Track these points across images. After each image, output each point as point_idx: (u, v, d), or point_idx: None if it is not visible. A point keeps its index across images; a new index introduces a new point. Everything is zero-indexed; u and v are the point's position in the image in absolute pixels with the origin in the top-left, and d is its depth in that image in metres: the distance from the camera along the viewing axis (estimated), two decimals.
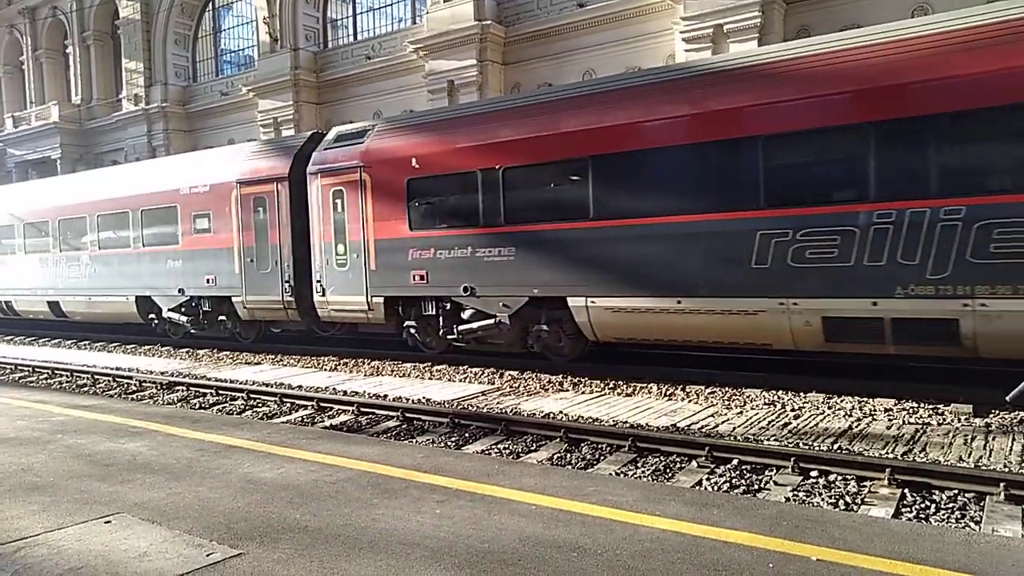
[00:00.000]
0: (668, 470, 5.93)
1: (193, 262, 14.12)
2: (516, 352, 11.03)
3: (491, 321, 10.46)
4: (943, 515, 4.77)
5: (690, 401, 8.35)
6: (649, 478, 5.75)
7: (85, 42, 32.70)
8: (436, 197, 10.92)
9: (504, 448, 6.77)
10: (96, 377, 11.78)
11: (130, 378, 11.31)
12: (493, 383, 9.98)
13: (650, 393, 8.84)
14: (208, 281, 13.86)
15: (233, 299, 13.58)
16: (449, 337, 11.11)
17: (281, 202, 12.67)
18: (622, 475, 5.81)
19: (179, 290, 14.38)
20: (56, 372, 12.52)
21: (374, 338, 13.82)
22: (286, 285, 12.67)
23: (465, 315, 10.81)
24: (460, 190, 10.60)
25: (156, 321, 15.35)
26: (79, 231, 16.53)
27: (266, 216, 12.90)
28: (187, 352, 14.63)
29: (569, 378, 9.80)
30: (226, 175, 13.60)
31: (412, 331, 11.65)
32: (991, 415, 7.10)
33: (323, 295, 12.17)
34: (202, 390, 10.25)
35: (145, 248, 15.01)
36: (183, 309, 14.68)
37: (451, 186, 10.71)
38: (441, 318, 11.13)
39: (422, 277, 10.96)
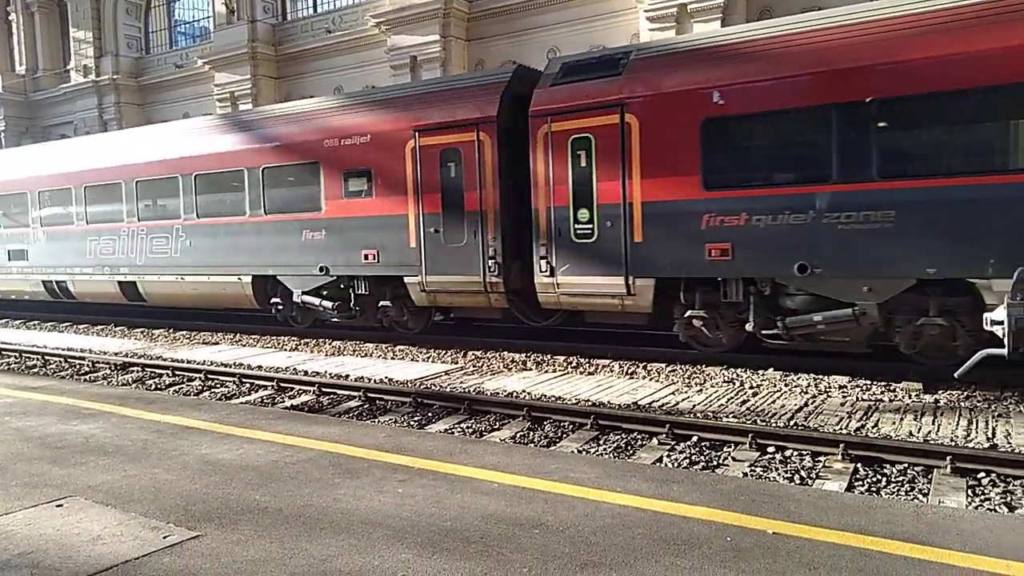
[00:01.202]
0: (629, 447, 6.00)
1: (343, 234, 11.24)
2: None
3: (845, 312, 7.86)
4: (893, 488, 4.93)
5: (651, 379, 8.45)
6: (611, 455, 5.81)
7: (29, 9, 31.32)
8: (753, 143, 8.44)
9: (467, 427, 6.78)
10: (47, 358, 11.43)
11: (83, 359, 11.00)
12: (456, 362, 9.97)
13: (612, 372, 8.92)
14: (367, 258, 11.00)
15: (406, 280, 10.74)
16: (765, 333, 8.47)
17: (485, 155, 9.80)
18: (584, 452, 5.86)
19: (321, 268, 11.47)
20: (4, 352, 12.11)
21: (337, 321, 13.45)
22: (490, 262, 9.91)
23: (791, 303, 8.34)
24: (802, 132, 8.03)
25: (281, 307, 12.56)
26: (167, 195, 13.39)
27: (460, 173, 10.04)
28: (142, 332, 14.28)
29: (532, 357, 9.83)
30: (396, 121, 10.71)
31: (695, 323, 8.90)
32: (940, 392, 7.34)
33: (550, 275, 9.43)
34: (158, 371, 10.03)
35: (269, 216, 12.02)
36: (325, 292, 11.87)
37: (785, 127, 8.06)
38: (752, 307, 8.41)
39: (723, 252, 8.26)
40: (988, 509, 4.51)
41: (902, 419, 6.47)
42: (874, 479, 5.07)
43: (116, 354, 11.52)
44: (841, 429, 6.18)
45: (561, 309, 9.99)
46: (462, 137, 10.02)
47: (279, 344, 12.17)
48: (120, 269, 14.28)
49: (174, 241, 13.38)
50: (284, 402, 8.12)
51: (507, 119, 9.80)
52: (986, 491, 4.78)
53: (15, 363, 11.39)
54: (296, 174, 11.80)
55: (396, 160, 10.60)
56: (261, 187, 12.12)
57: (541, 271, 9.55)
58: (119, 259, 14.28)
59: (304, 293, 12.01)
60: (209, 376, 9.45)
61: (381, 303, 11.44)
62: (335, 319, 12.19)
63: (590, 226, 9.13)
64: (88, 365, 10.75)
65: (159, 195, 13.62)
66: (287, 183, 11.94)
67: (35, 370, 10.79)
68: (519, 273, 10.02)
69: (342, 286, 11.70)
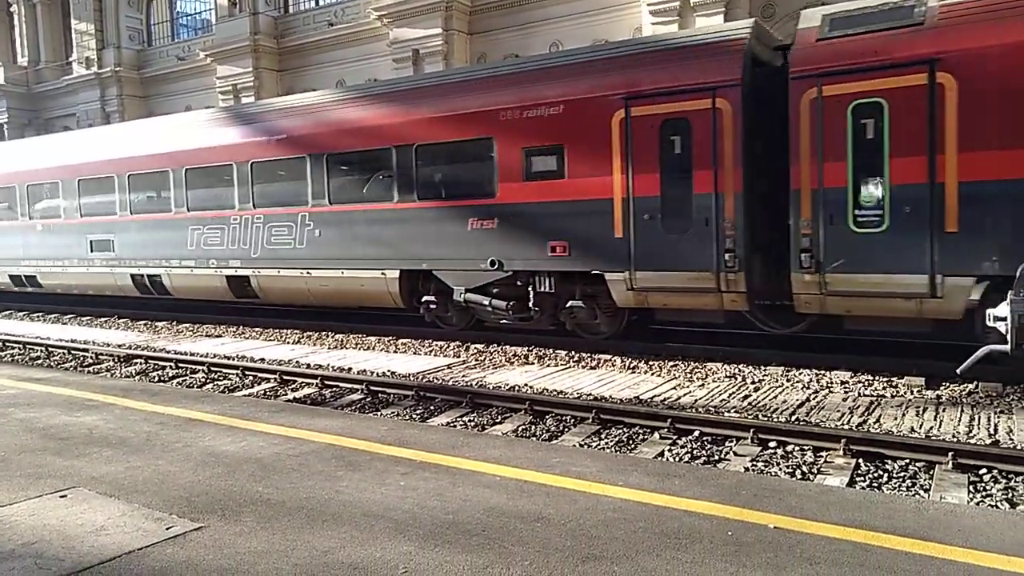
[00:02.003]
0: (631, 441, 6.01)
1: (522, 222, 9.63)
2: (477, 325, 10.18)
3: None
4: (895, 483, 4.93)
5: (653, 374, 8.45)
6: (612, 449, 5.82)
7: (31, 0, 31.27)
8: None
9: (469, 420, 6.79)
10: (50, 350, 11.46)
11: (86, 351, 11.03)
12: (459, 356, 9.97)
13: (614, 366, 8.92)
14: (555, 250, 9.42)
15: (608, 277, 9.10)
16: None
17: (723, 125, 8.23)
18: (586, 446, 5.87)
19: (492, 263, 9.89)
20: (8, 344, 12.15)
21: (339, 311, 13.51)
22: (726, 256, 8.30)
23: None
24: None
25: (433, 306, 10.93)
26: (291, 179, 11.83)
27: (688, 148, 8.50)
28: (145, 324, 14.31)
29: (535, 351, 9.83)
30: (598, 88, 9.04)
31: None
32: (942, 387, 7.34)
33: (814, 271, 7.82)
34: (161, 363, 10.05)
35: (423, 202, 10.41)
36: (496, 290, 10.15)
37: None
38: None
39: None
40: (990, 505, 4.51)
41: (904, 415, 6.46)
42: (876, 474, 5.07)
43: (120, 346, 11.55)
44: (843, 424, 6.19)
45: (823, 313, 8.21)
46: (692, 105, 8.39)
47: (282, 337, 12.18)
48: (229, 262, 12.64)
49: (299, 231, 11.72)
50: (287, 395, 8.13)
51: (748, 83, 8.23)
52: (988, 487, 4.78)
53: (19, 355, 11.42)
54: (460, 153, 10.11)
55: (597, 134, 8.93)
56: (413, 168, 10.42)
57: (802, 266, 7.87)
58: (228, 251, 12.64)
59: (468, 291, 10.26)
60: (212, 368, 9.47)
61: (570, 303, 9.68)
62: (505, 321, 10.35)
63: (878, 212, 7.54)
64: (92, 357, 10.77)
65: (280, 179, 12.01)
66: (448, 163, 10.30)
67: (39, 362, 10.82)
68: (762, 269, 8.53)
69: (519, 283, 9.93)
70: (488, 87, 10.04)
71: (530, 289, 9.90)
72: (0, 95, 31.09)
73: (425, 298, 10.90)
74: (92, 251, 14.73)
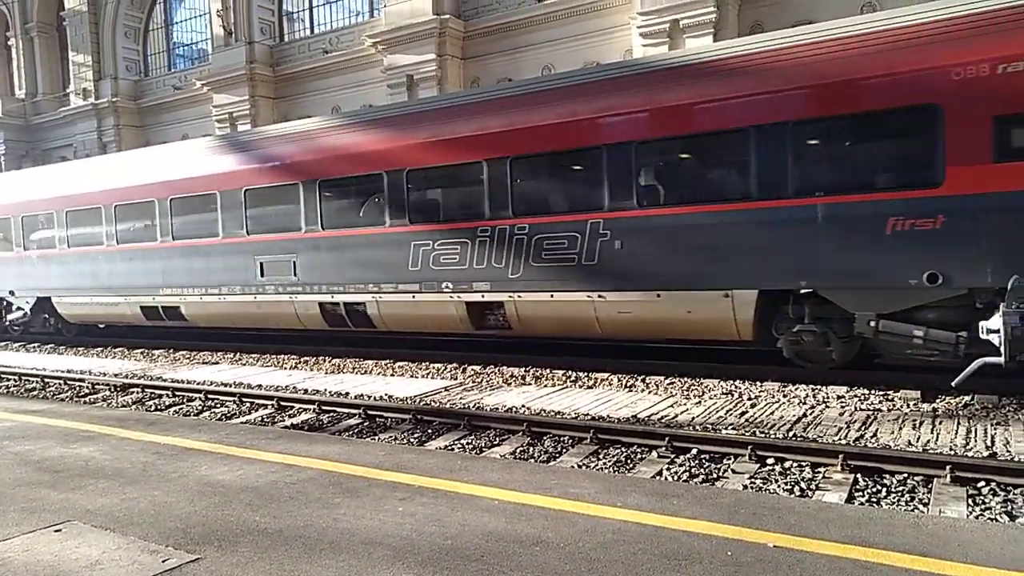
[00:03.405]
0: (629, 461, 6.00)
1: (1001, 221, 6.92)
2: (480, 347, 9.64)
3: None
4: (893, 498, 4.92)
5: (650, 392, 8.45)
6: (610, 470, 5.80)
7: (28, 34, 31.57)
8: None
9: (467, 443, 6.77)
10: (46, 380, 11.42)
11: (82, 381, 10.99)
12: (456, 378, 9.96)
13: (611, 385, 8.92)
14: None
15: None
16: None
17: None
18: (584, 467, 5.86)
19: (930, 277, 7.22)
20: (3, 376, 12.10)
21: (341, 336, 13.39)
22: None
23: None
24: None
25: (806, 338, 8.21)
26: (582, 179, 9.21)
27: None
28: (142, 353, 14.27)
29: (531, 371, 9.83)
30: None
31: None
32: (938, 400, 7.34)
33: None
34: (158, 391, 10.02)
35: (801, 199, 7.76)
36: (933, 315, 7.47)
37: None
38: None
39: None
40: (989, 519, 4.50)
41: (901, 428, 6.46)
42: (874, 489, 5.06)
43: (116, 375, 11.51)
44: (840, 439, 6.18)
45: None
46: None
47: (279, 363, 12.16)
48: (473, 285, 9.99)
49: (587, 242, 9.00)
50: (284, 421, 8.11)
51: None
52: (986, 500, 4.77)
53: (14, 386, 11.37)
54: (859, 126, 7.60)
55: None
56: (787, 149, 7.78)
57: None
58: (470, 272, 9.96)
59: (882, 317, 7.60)
60: (209, 396, 9.44)
61: None
62: (936, 359, 7.59)
63: None
64: (88, 387, 10.74)
65: (579, 175, 9.32)
66: (835, 140, 7.85)
67: (34, 393, 10.77)
68: None
69: (978, 304, 7.17)
70: (927, 34, 7.33)
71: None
72: None
73: (798, 327, 8.24)
74: (262, 275, 12.19)
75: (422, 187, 10.38)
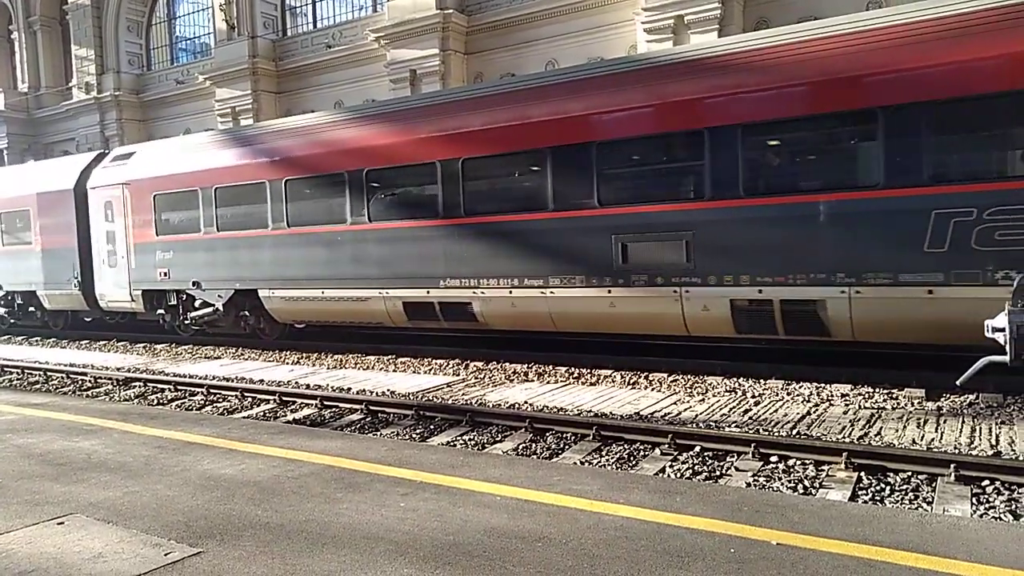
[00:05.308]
0: (632, 458, 5.98)
1: None
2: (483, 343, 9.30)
3: None
4: (897, 497, 4.90)
5: (653, 389, 8.43)
6: (613, 466, 5.79)
7: (31, 27, 31.57)
8: None
9: (469, 439, 6.76)
10: (48, 374, 11.43)
11: (84, 375, 11.00)
12: (458, 374, 9.95)
13: (614, 382, 8.90)
14: None
15: None
16: None
17: None
18: (586, 464, 5.85)
19: None
20: (5, 369, 12.12)
21: (338, 331, 13.49)
22: None
23: None
24: None
25: None
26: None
27: None
28: (144, 347, 14.29)
29: (534, 368, 9.81)
30: None
31: None
32: (943, 399, 7.32)
33: None
34: (160, 386, 10.02)
35: None
36: None
37: None
38: None
39: None
40: (993, 517, 4.48)
41: (905, 427, 6.44)
42: (878, 488, 5.04)
43: (118, 369, 11.52)
44: (844, 438, 6.16)
45: None
46: None
47: (281, 358, 12.16)
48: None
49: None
50: (286, 416, 8.11)
51: None
52: (991, 499, 4.75)
53: (17, 380, 11.39)
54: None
55: None
56: None
57: None
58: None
59: None
60: (211, 391, 9.45)
61: None
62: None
63: None
64: (90, 381, 10.75)
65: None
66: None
67: (37, 386, 10.79)
68: None
69: None
70: None
71: None
72: (0, 121, 31.30)
73: None
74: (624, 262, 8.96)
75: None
